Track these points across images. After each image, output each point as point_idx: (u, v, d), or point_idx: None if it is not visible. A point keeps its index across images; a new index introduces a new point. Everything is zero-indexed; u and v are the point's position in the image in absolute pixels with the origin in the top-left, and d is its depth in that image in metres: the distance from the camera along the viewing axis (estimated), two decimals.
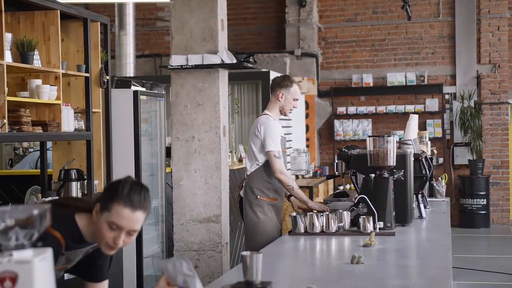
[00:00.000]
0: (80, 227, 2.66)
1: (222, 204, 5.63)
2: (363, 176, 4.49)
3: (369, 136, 4.42)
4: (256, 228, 5.15)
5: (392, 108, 12.60)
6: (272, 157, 5.06)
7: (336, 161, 5.13)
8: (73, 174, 5.37)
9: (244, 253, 2.68)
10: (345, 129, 12.79)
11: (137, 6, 12.59)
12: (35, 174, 5.93)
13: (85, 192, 5.56)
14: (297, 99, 5.27)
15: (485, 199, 12.10)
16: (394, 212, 4.32)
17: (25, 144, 8.54)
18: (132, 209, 2.55)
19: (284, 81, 5.26)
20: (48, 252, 1.75)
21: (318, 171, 10.78)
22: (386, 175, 4.35)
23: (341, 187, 10.42)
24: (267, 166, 5.14)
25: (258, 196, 5.17)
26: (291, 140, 10.35)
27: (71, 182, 5.35)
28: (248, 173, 5.28)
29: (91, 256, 2.80)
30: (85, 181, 5.54)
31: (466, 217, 12.16)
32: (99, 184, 5.80)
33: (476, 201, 12.08)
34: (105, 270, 2.90)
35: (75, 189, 5.35)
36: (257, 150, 5.16)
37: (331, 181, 10.81)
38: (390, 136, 4.37)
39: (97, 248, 2.76)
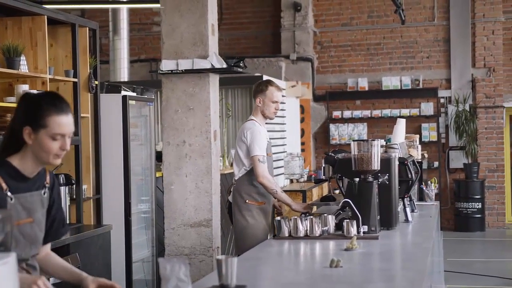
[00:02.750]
0: (16, 165, 2.70)
1: (213, 208, 5.64)
2: (348, 180, 4.50)
3: (353, 140, 4.43)
4: (245, 232, 5.21)
5: (387, 112, 12.61)
6: (257, 162, 5.14)
7: (323, 165, 5.15)
8: (61, 179, 5.38)
9: (219, 257, 2.70)
10: (340, 133, 12.80)
11: (133, 11, 12.64)
12: None
13: (74, 197, 5.58)
14: (276, 101, 5.32)
15: (480, 203, 12.11)
16: (378, 216, 4.33)
17: None
18: (65, 114, 2.69)
19: (259, 86, 5.37)
20: (11, 257, 1.77)
21: (313, 175, 10.78)
22: (370, 179, 4.36)
23: (337, 191, 10.42)
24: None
25: (247, 201, 5.23)
26: (285, 145, 10.37)
27: (59, 186, 5.35)
28: (236, 178, 5.34)
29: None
30: (74, 186, 5.55)
31: (461, 221, 12.17)
32: (87, 189, 5.82)
33: (471, 205, 12.08)
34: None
35: (64, 194, 5.36)
36: (243, 155, 5.24)
37: (325, 185, 10.82)
38: (374, 140, 4.38)
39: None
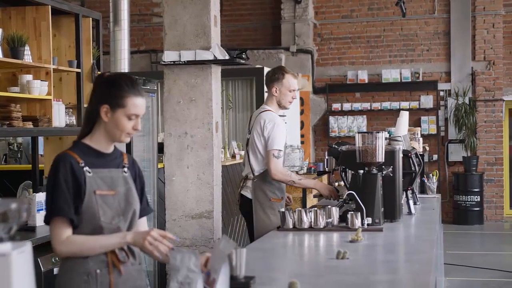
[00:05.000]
0: (90, 144, 2.87)
1: (214, 200, 5.64)
2: (352, 172, 4.51)
3: (358, 133, 4.43)
4: (268, 230, 5.05)
5: (387, 104, 12.62)
6: (271, 157, 4.94)
7: (327, 157, 5.13)
8: None
9: None
10: (340, 126, 12.81)
11: (133, 2, 12.60)
12: (28, 169, 5.94)
13: None
14: (293, 90, 5.14)
15: (479, 196, 12.14)
16: (382, 208, 4.34)
17: (20, 139, 8.54)
18: (141, 97, 2.88)
19: (275, 74, 5.15)
20: (27, 246, 1.77)
21: (313, 168, 10.79)
22: (374, 171, 4.36)
23: (337, 183, 10.43)
24: None
25: (271, 199, 5.09)
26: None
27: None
28: (256, 174, 5.14)
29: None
30: None
31: (460, 214, 12.20)
32: None
33: (470, 198, 12.11)
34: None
35: None
36: (263, 149, 5.05)
37: (325, 177, 10.83)
38: (379, 132, 4.38)
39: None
